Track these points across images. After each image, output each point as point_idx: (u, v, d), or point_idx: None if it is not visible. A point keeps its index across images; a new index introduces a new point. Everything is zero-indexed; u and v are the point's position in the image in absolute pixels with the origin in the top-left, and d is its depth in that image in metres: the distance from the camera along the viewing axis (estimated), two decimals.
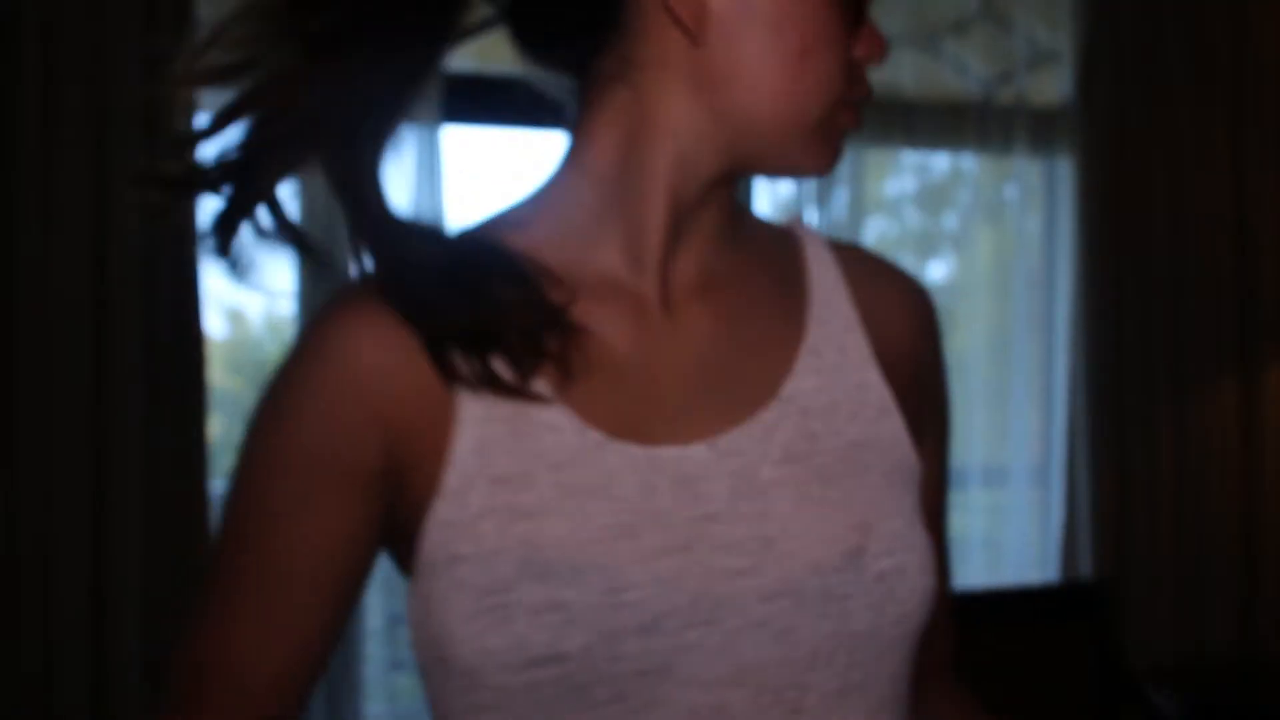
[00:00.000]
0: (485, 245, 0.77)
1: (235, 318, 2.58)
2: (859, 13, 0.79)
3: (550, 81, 0.83)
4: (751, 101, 0.76)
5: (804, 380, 0.82)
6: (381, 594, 2.48)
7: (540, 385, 0.75)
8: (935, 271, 3.02)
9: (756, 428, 0.79)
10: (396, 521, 0.77)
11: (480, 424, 0.74)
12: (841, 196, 2.72)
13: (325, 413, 0.74)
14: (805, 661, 0.75)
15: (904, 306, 0.90)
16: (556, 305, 0.75)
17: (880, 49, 0.80)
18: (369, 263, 0.76)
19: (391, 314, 0.75)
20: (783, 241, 0.89)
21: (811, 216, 2.72)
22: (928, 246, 3.02)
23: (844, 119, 0.80)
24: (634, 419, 0.76)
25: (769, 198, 2.84)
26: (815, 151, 0.80)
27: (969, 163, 2.94)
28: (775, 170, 0.82)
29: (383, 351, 0.74)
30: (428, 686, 0.78)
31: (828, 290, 0.87)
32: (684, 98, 0.77)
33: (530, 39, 0.81)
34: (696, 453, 0.77)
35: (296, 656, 0.77)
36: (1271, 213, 2.87)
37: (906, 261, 2.96)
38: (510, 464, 0.74)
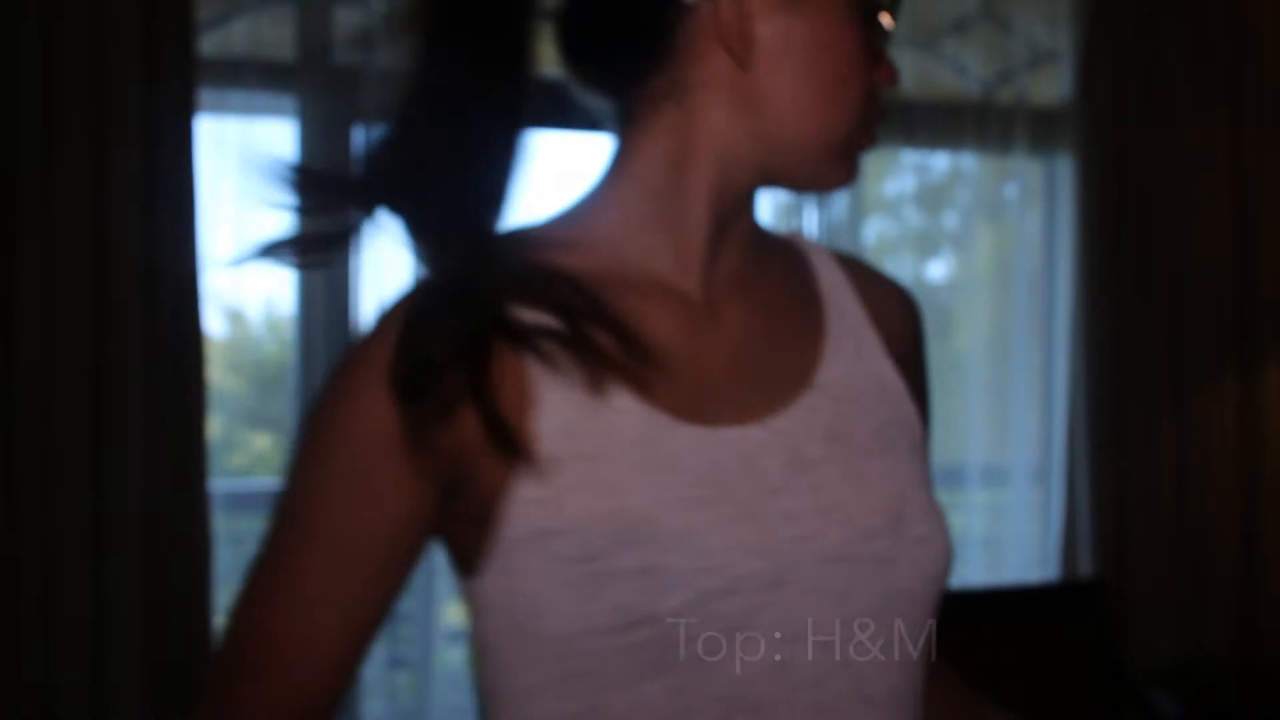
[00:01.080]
0: (550, 282, 0.82)
1: (235, 317, 2.58)
2: (879, 45, 0.88)
3: (588, 97, 0.89)
4: (790, 122, 0.85)
5: (832, 370, 0.91)
6: None
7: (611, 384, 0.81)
8: (935, 271, 3.02)
9: (800, 411, 0.87)
10: (464, 507, 0.81)
11: (561, 406, 0.79)
12: (841, 196, 2.72)
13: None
14: (856, 619, 0.83)
15: (899, 308, 1.00)
16: (624, 321, 0.81)
17: (894, 77, 0.89)
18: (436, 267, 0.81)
19: None
20: (789, 249, 0.98)
21: (812, 216, 2.72)
22: (927, 246, 3.02)
23: (864, 139, 0.89)
24: (692, 404, 0.83)
25: (769, 200, 2.84)
26: (840, 168, 0.89)
27: (969, 162, 2.94)
28: (802, 185, 0.91)
29: None
30: (500, 666, 0.82)
31: (837, 292, 0.96)
32: (728, 117, 0.85)
33: (584, 62, 0.87)
34: (752, 433, 0.84)
35: (351, 639, 0.82)
36: (1271, 213, 2.87)
37: (906, 261, 2.97)
38: (591, 443, 0.79)
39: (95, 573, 2.19)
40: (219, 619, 2.38)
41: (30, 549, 2.15)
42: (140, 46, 2.20)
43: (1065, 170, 2.91)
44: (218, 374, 2.51)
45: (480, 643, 0.84)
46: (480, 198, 0.81)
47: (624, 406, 0.80)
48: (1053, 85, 2.92)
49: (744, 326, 0.89)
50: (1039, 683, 2.50)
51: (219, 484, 2.39)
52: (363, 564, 0.80)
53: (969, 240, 2.92)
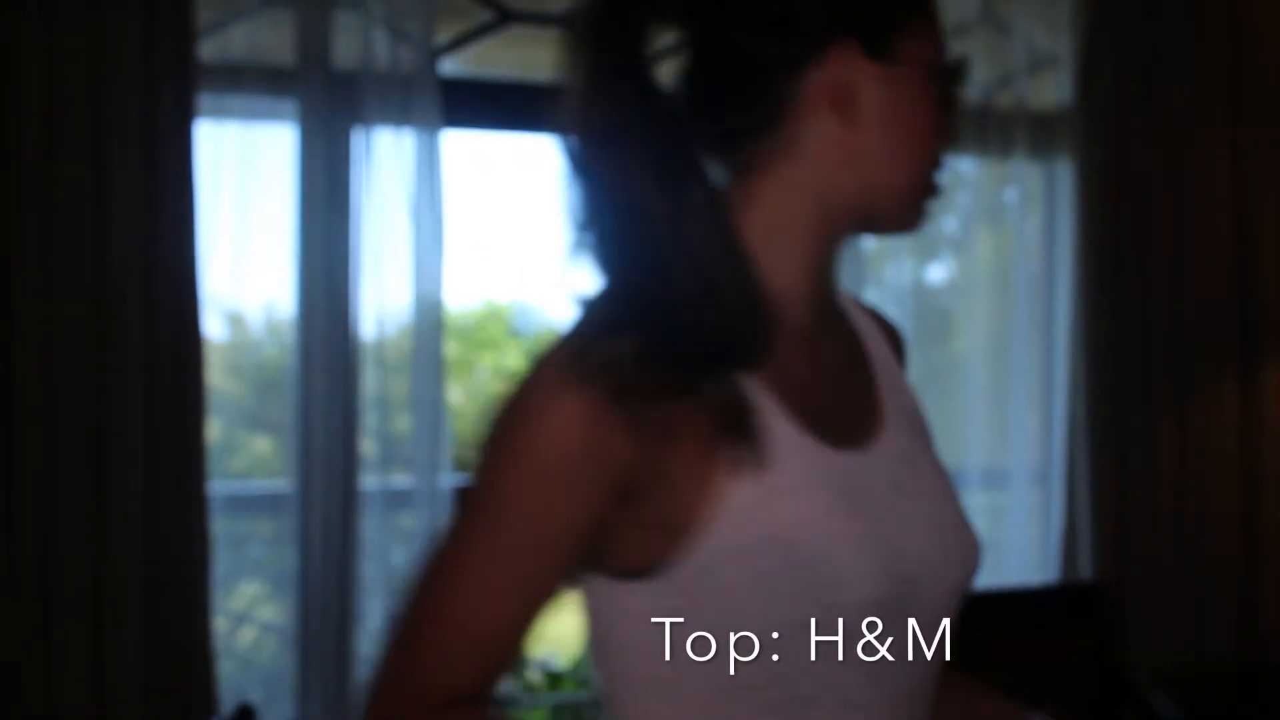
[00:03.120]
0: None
1: (235, 321, 2.59)
2: (945, 109, 1.00)
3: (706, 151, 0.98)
4: (884, 173, 0.97)
5: (892, 400, 1.04)
6: (380, 596, 2.48)
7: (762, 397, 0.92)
8: (935, 274, 3.02)
9: (886, 438, 1.01)
10: (645, 515, 0.88)
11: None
12: None
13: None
14: (942, 606, 0.97)
15: (896, 341, 1.14)
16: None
17: (955, 136, 1.01)
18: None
19: None
20: None
21: None
22: (927, 249, 3.01)
23: (933, 188, 1.01)
24: (821, 429, 0.95)
25: None
26: (917, 213, 1.01)
27: (969, 166, 2.94)
28: (887, 227, 1.03)
29: None
30: (674, 665, 0.90)
31: (865, 327, 1.09)
32: (834, 170, 0.96)
33: (709, 123, 0.97)
34: (863, 457, 0.97)
35: (518, 632, 0.90)
36: (1271, 213, 2.87)
37: (906, 264, 2.96)
38: (770, 462, 0.89)
39: (95, 573, 2.20)
40: (218, 620, 2.39)
41: (30, 549, 2.15)
42: (140, 51, 2.21)
43: (1065, 174, 2.91)
44: (217, 377, 2.52)
45: (642, 643, 0.91)
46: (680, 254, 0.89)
47: (784, 433, 0.91)
48: (1052, 89, 2.92)
49: (837, 357, 1.02)
50: (1039, 686, 2.49)
51: (218, 487, 2.40)
52: (545, 560, 0.89)
53: (969, 244, 2.92)
